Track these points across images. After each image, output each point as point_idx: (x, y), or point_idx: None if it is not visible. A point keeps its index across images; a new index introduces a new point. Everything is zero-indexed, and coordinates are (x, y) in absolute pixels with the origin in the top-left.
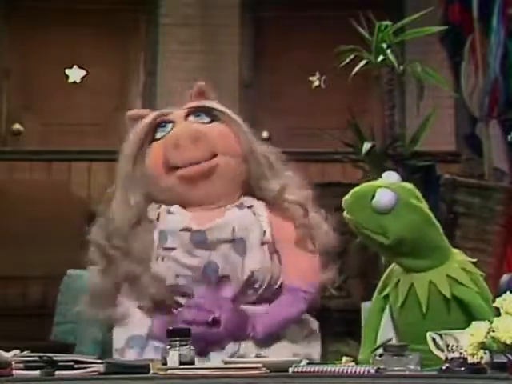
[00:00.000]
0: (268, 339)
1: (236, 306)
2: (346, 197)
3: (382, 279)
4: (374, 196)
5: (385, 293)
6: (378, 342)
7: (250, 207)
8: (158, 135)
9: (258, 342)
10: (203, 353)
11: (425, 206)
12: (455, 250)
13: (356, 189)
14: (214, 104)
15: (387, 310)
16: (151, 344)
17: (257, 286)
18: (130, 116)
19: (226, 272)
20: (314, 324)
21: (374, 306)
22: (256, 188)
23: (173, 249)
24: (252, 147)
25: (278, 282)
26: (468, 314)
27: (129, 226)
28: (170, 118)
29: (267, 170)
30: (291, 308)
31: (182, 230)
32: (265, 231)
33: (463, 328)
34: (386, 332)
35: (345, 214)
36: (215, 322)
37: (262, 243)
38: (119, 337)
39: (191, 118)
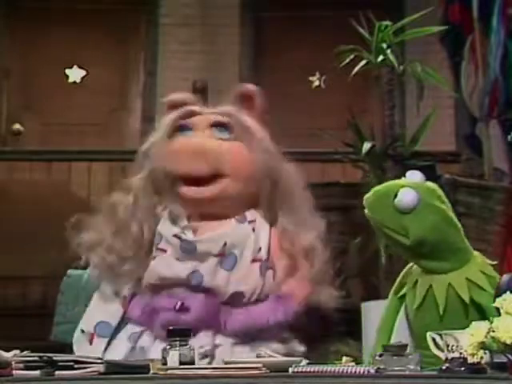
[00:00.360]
0: (242, 338)
1: (209, 298)
2: (368, 195)
3: (399, 279)
4: (396, 195)
5: (401, 293)
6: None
7: (251, 222)
8: (180, 136)
9: (233, 338)
10: None
11: (447, 206)
12: (475, 253)
13: (378, 187)
14: (243, 119)
15: (402, 312)
16: (127, 329)
17: (244, 300)
18: (167, 102)
19: (211, 285)
20: (298, 347)
21: (389, 306)
22: (265, 211)
23: (165, 250)
24: (267, 171)
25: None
26: (485, 318)
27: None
28: (192, 124)
29: (280, 198)
30: (267, 314)
31: (174, 236)
32: (260, 248)
33: None
34: (401, 333)
35: (366, 211)
36: (184, 309)
37: (255, 260)
38: (91, 317)
39: (213, 131)
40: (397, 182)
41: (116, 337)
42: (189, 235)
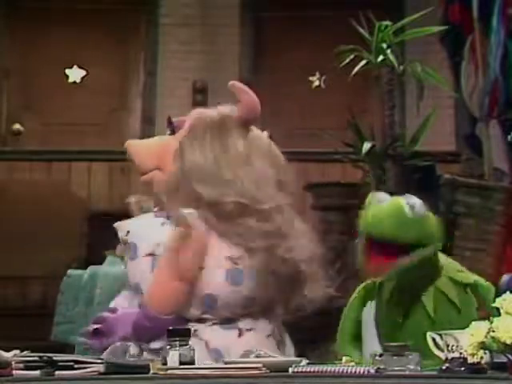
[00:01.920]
0: None
1: None
2: (371, 221)
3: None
4: (409, 206)
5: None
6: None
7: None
8: None
9: None
10: None
11: None
12: (445, 260)
13: (375, 211)
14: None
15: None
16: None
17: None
18: None
19: None
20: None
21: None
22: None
23: None
24: (184, 167)
25: None
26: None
27: None
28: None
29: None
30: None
31: None
32: (158, 244)
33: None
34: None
35: (386, 236)
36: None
37: (149, 254)
38: None
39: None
40: (393, 200)
41: None
42: None
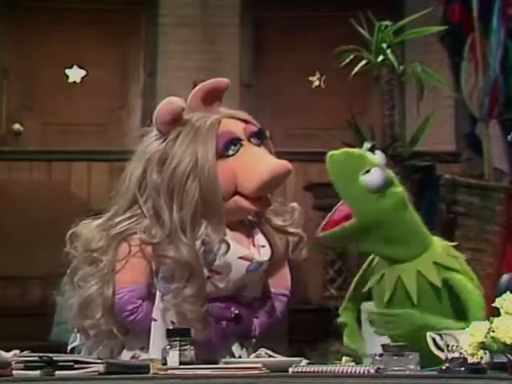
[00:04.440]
0: (260, 341)
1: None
2: (336, 156)
3: (357, 279)
4: (367, 171)
5: (365, 289)
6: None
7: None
8: (230, 152)
9: (254, 344)
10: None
11: (403, 190)
12: (434, 237)
13: (349, 154)
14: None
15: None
16: None
17: (255, 304)
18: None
19: (252, 296)
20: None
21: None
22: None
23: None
24: None
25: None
26: (457, 299)
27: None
28: (237, 135)
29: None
30: (277, 310)
31: (240, 258)
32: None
33: (454, 316)
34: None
35: (330, 175)
36: (236, 317)
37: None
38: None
39: (254, 141)
40: (367, 157)
41: None
42: (257, 256)
